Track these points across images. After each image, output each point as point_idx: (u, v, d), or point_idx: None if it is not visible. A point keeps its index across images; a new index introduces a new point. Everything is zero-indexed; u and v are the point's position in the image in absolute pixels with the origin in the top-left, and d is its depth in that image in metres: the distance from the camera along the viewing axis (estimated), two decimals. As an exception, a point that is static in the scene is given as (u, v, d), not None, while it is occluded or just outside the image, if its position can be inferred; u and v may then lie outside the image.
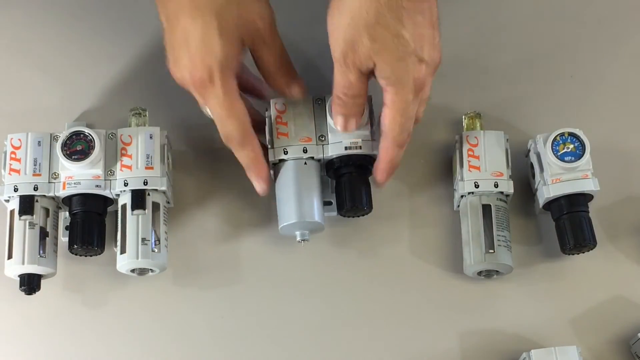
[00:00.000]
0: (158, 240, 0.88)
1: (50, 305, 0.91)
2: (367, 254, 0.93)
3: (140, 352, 0.90)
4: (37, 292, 0.88)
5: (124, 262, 0.87)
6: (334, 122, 0.88)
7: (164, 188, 0.89)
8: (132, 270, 0.89)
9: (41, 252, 0.87)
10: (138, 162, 0.89)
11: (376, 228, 0.93)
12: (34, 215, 0.88)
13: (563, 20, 1.01)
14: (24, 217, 0.88)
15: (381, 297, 0.91)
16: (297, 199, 0.89)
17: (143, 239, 0.87)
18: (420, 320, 0.91)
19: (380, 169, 0.88)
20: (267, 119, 0.91)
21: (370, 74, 0.84)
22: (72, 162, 0.87)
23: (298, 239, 0.90)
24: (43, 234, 0.88)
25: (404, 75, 0.82)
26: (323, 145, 0.90)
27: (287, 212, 0.89)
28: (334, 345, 0.90)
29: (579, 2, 1.02)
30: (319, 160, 0.90)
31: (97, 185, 0.88)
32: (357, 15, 0.80)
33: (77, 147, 0.88)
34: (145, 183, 0.88)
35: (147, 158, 0.89)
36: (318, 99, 0.91)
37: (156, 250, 0.88)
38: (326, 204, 0.91)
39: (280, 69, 0.88)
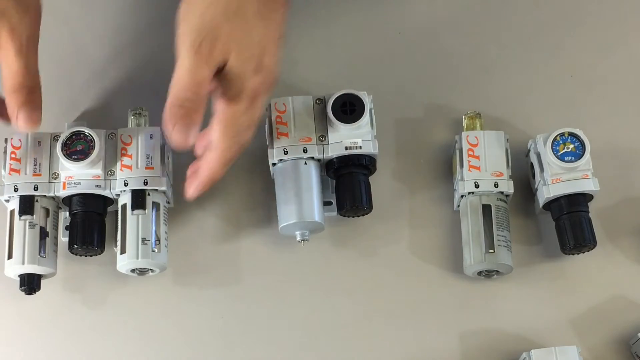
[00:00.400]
0: (158, 240, 0.88)
1: (50, 305, 0.91)
2: (367, 254, 0.93)
3: (140, 352, 0.90)
4: (37, 292, 0.88)
5: (124, 262, 0.87)
6: (170, 136, 0.78)
7: (164, 188, 0.88)
8: (132, 270, 0.89)
9: (41, 252, 0.87)
10: (138, 162, 0.89)
11: (376, 228, 0.93)
12: (34, 215, 0.88)
13: (563, 20, 1.01)
14: (24, 217, 0.88)
15: (381, 297, 0.91)
16: (297, 199, 0.89)
17: (143, 239, 0.87)
18: (420, 320, 0.91)
19: (197, 182, 0.84)
20: (267, 119, 0.91)
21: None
22: (72, 162, 0.87)
23: (298, 239, 0.90)
24: (43, 234, 0.88)
25: (244, 79, 0.77)
26: (323, 145, 0.90)
27: (287, 212, 0.89)
28: (333, 345, 0.90)
29: (579, 2, 1.02)
30: (319, 160, 0.90)
31: (97, 185, 0.88)
32: (216, 1, 0.75)
33: (77, 147, 0.88)
34: (146, 183, 0.88)
35: (147, 158, 0.89)
36: (318, 99, 0.91)
37: (156, 250, 0.88)
38: (326, 204, 0.91)
39: (17, 81, 0.80)
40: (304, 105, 0.91)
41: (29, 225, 0.88)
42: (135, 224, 0.88)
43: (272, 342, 0.90)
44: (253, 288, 0.92)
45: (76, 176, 0.88)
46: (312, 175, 0.90)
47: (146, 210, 0.88)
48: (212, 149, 0.82)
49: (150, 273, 0.89)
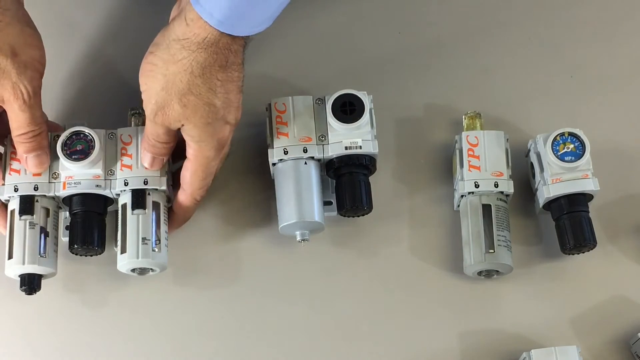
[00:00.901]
0: (158, 239, 0.88)
1: (50, 306, 0.91)
2: (367, 254, 0.93)
3: (140, 352, 0.90)
4: (37, 292, 0.88)
5: (124, 262, 0.87)
6: (142, 158, 0.88)
7: (164, 187, 0.89)
8: (133, 270, 0.89)
9: (41, 252, 0.87)
10: (138, 162, 0.89)
11: (376, 228, 0.93)
12: (34, 215, 0.88)
13: (563, 20, 1.01)
14: (24, 217, 0.87)
15: (381, 297, 0.91)
16: (297, 199, 0.89)
17: (143, 239, 0.87)
18: (420, 320, 0.91)
19: (174, 221, 0.91)
20: (267, 119, 0.91)
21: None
22: (72, 162, 0.87)
23: (298, 239, 0.90)
24: (43, 233, 0.88)
25: (209, 137, 0.85)
26: (323, 145, 0.90)
27: (287, 212, 0.89)
28: (334, 345, 0.90)
29: (579, 2, 1.02)
30: (319, 160, 0.90)
31: (97, 185, 0.88)
32: (171, 82, 0.82)
33: (77, 147, 0.88)
34: (146, 182, 0.88)
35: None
36: (318, 99, 0.91)
37: (156, 250, 0.88)
38: (326, 204, 0.91)
39: (23, 131, 0.87)
40: (304, 105, 0.91)
41: (29, 225, 0.87)
42: (135, 223, 0.88)
43: (272, 342, 0.90)
44: (253, 288, 0.92)
45: (76, 176, 0.88)
46: (312, 175, 0.90)
47: (146, 210, 0.88)
48: (183, 189, 0.89)
49: (151, 273, 0.89)
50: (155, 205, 0.89)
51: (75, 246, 0.88)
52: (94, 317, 0.91)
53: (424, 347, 0.90)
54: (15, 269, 0.87)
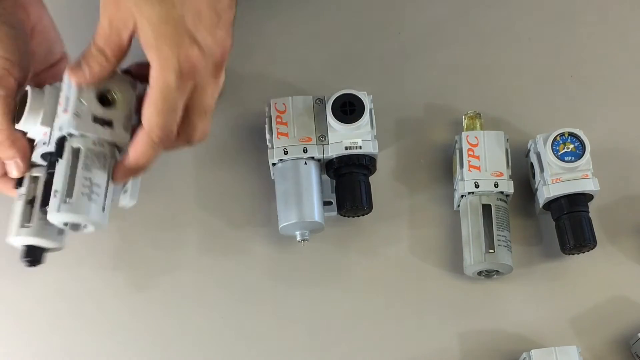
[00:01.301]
0: (74, 189, 0.78)
1: (45, 306, 0.91)
2: (367, 254, 0.93)
3: (140, 352, 0.90)
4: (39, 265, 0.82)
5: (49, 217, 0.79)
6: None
7: (73, 131, 0.78)
8: (65, 224, 0.80)
9: (29, 221, 0.81)
10: (63, 107, 0.80)
11: (376, 228, 0.93)
12: (23, 187, 0.82)
13: (563, 20, 1.01)
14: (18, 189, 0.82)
15: (381, 297, 0.91)
16: (297, 199, 0.89)
17: (55, 191, 0.78)
18: (420, 320, 0.91)
19: (122, 168, 0.79)
20: (267, 119, 0.91)
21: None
22: (17, 124, 0.80)
23: (298, 239, 0.90)
24: (30, 204, 0.81)
25: (168, 47, 0.73)
26: (323, 145, 0.90)
27: (287, 212, 0.89)
28: (333, 345, 0.90)
29: (579, 2, 1.02)
30: (319, 160, 0.90)
31: (43, 143, 0.81)
32: None
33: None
34: (61, 129, 0.79)
35: (66, 101, 0.79)
36: (318, 99, 0.91)
37: (69, 200, 0.78)
38: (326, 204, 0.91)
39: None
40: (304, 105, 0.91)
41: (18, 197, 0.82)
42: (57, 174, 0.79)
43: (272, 342, 0.90)
44: (253, 288, 0.92)
45: (36, 136, 0.81)
46: (312, 175, 0.90)
47: (63, 157, 0.79)
48: (142, 127, 0.78)
49: (85, 229, 0.80)
50: (74, 152, 0.79)
51: (46, 209, 0.79)
52: (95, 315, 0.91)
53: (424, 347, 0.90)
54: (17, 240, 0.81)
